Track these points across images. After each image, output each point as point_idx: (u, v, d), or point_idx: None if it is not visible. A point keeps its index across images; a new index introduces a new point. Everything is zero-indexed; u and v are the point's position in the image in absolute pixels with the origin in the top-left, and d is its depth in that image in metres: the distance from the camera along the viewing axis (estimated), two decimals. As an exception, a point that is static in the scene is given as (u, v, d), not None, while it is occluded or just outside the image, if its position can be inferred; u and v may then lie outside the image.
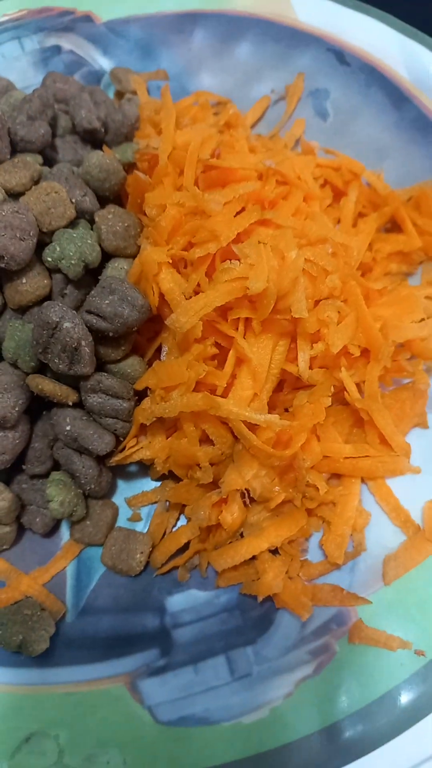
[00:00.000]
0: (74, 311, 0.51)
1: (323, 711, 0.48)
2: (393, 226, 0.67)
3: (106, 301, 0.51)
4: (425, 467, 0.56)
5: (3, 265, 0.51)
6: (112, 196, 0.60)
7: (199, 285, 0.52)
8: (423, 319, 0.58)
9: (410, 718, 0.47)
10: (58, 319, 0.49)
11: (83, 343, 0.50)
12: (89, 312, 0.52)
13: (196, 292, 0.53)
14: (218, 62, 0.80)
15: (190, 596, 0.54)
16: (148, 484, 0.59)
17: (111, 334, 0.52)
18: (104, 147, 0.63)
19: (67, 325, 0.49)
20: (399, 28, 0.76)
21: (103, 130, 0.65)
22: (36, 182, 0.57)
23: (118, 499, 0.59)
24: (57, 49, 0.80)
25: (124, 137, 0.66)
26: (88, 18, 0.81)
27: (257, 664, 0.50)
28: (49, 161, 0.63)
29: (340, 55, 0.77)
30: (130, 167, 0.62)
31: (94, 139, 0.66)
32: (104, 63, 0.80)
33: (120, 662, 0.51)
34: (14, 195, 0.56)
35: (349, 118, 0.75)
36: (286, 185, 0.59)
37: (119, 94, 0.77)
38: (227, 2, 0.81)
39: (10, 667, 0.51)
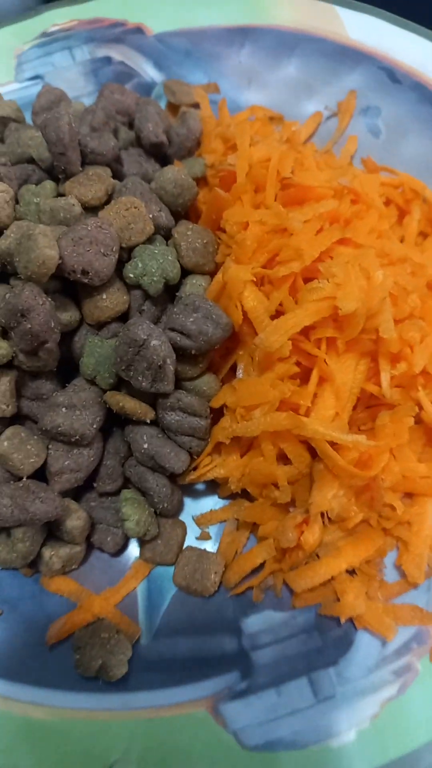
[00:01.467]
0: (160, 329, 0.50)
1: (411, 732, 0.47)
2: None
3: (191, 319, 0.51)
4: None
5: (86, 281, 0.50)
6: (183, 211, 0.59)
7: (281, 304, 0.52)
8: None
9: None
10: (145, 337, 0.48)
11: (168, 361, 0.50)
12: (172, 329, 0.51)
13: (278, 311, 0.52)
14: (267, 77, 0.80)
15: (266, 617, 0.53)
16: (215, 503, 0.58)
17: (193, 351, 0.52)
18: (176, 162, 0.62)
19: (154, 342, 0.48)
20: (450, 48, 0.77)
21: (168, 143, 0.65)
22: (110, 196, 0.57)
23: (185, 517, 0.58)
24: (107, 60, 0.80)
25: (188, 151, 0.66)
26: (138, 30, 0.81)
27: (340, 685, 0.50)
28: (115, 175, 0.63)
29: (391, 73, 0.78)
30: (198, 182, 0.62)
31: (159, 153, 0.65)
32: (154, 75, 0.80)
33: (200, 685, 0.50)
34: (89, 209, 0.56)
35: (401, 135, 0.76)
36: (358, 204, 0.59)
37: (171, 107, 0.77)
38: (277, 17, 0.81)
39: (89, 692, 0.49)
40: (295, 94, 0.79)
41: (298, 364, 0.53)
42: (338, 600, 0.52)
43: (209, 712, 0.49)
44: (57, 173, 0.59)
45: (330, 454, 0.50)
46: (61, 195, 0.58)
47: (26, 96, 0.78)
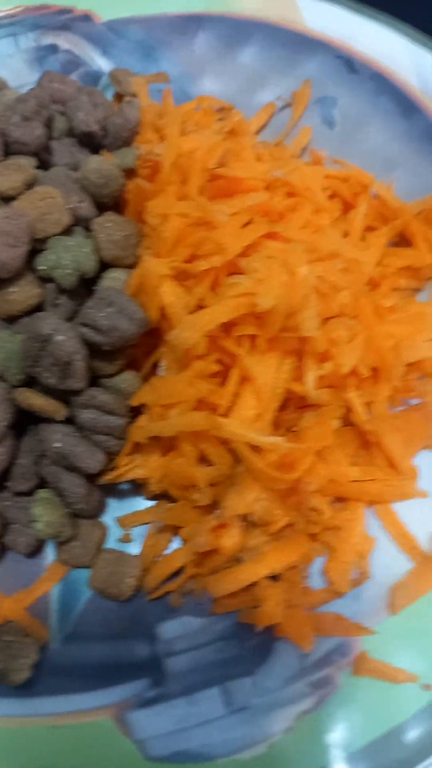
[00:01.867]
0: (69, 324, 0.48)
1: (325, 747, 0.46)
2: (401, 240, 0.65)
3: (103, 314, 0.49)
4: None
5: (-7, 273, 0.48)
6: (110, 203, 0.57)
7: (202, 300, 0.50)
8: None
9: (417, 755, 0.45)
10: (50, 332, 0.47)
11: (76, 357, 0.48)
12: (84, 324, 0.49)
13: (199, 307, 0.50)
14: (221, 66, 0.78)
15: (184, 623, 0.51)
16: (141, 504, 0.57)
17: (106, 348, 0.50)
18: (103, 152, 0.60)
19: (59, 338, 0.47)
20: (410, 36, 0.75)
21: (102, 133, 0.63)
22: (30, 186, 0.55)
23: (108, 518, 0.56)
24: (53, 48, 0.78)
25: (124, 142, 0.64)
26: (87, 17, 0.79)
27: (255, 696, 0.48)
28: (44, 165, 0.61)
29: (349, 63, 0.75)
30: (129, 173, 0.60)
31: (92, 143, 0.63)
32: (103, 64, 0.78)
33: (107, 692, 0.48)
34: (7, 199, 0.54)
35: (357, 126, 0.73)
36: (294, 197, 0.57)
37: (119, 97, 0.75)
38: (233, 4, 0.78)
39: (-7, 697, 0.48)
40: (249, 84, 0.77)
41: (219, 362, 0.51)
42: (258, 607, 0.50)
43: (114, 720, 0.47)
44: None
45: (248, 456, 0.48)
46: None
47: (-31, 84, 0.76)
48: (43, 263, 0.50)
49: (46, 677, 0.49)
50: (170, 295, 0.50)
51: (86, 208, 0.54)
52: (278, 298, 0.46)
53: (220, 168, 0.53)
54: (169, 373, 0.52)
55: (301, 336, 0.48)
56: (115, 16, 0.79)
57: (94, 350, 0.50)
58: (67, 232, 0.53)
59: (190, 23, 0.79)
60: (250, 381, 0.50)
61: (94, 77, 0.77)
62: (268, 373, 0.50)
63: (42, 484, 0.54)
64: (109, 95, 0.74)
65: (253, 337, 0.50)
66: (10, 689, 0.48)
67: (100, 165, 0.55)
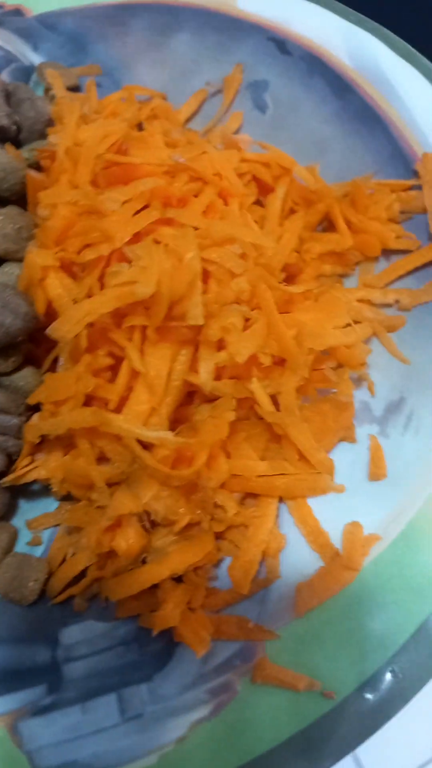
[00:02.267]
0: None
1: (218, 758, 0.43)
2: (330, 225, 0.62)
3: (-12, 310, 0.47)
4: (351, 486, 0.52)
5: None
6: (13, 197, 0.56)
7: (91, 291, 0.48)
8: (349, 325, 0.53)
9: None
10: None
11: (-39, 355, 0.46)
12: (-30, 321, 0.48)
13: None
14: (155, 55, 0.76)
15: (87, 627, 0.50)
16: (53, 504, 0.55)
17: (-7, 345, 0.48)
18: (7, 145, 0.59)
19: None
20: (343, 13, 0.72)
21: (15, 128, 0.62)
22: None
23: (19, 520, 0.55)
24: (-16, 45, 0.77)
25: (40, 135, 0.63)
26: (17, 11, 0.78)
27: (151, 703, 0.46)
28: None
29: (282, 44, 0.73)
30: (38, 166, 0.58)
31: (7, 138, 0.62)
32: (35, 58, 0.77)
33: (5, 700, 0.47)
34: None
35: (289, 110, 0.71)
36: (200, 182, 0.55)
37: (47, 90, 0.74)
38: (165, -9, 0.77)
39: None
40: (184, 72, 0.75)
41: (112, 355, 0.49)
42: (158, 610, 0.48)
43: (7, 729, 0.46)
44: None
45: (138, 452, 0.46)
46: None
47: None
48: None
49: None
50: (56, 287, 0.48)
51: (-15, 203, 0.53)
52: (158, 284, 0.44)
53: (113, 155, 0.51)
54: (62, 369, 0.50)
55: (190, 325, 0.46)
56: (47, 8, 0.78)
57: (-16, 348, 0.49)
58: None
59: (123, 12, 0.77)
60: (141, 374, 0.48)
61: (26, 72, 0.76)
62: (160, 365, 0.48)
63: None
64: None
65: (143, 328, 0.48)
66: None
67: (1, 158, 0.54)
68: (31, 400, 0.50)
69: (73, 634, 0.49)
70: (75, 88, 0.73)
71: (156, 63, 0.76)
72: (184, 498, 0.49)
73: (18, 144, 0.64)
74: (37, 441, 0.49)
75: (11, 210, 0.52)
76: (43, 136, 0.63)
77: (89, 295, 0.48)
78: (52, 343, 0.53)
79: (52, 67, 0.73)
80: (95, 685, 0.47)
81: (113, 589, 0.48)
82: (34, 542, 0.53)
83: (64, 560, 0.52)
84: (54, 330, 0.46)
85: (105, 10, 0.78)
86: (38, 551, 0.53)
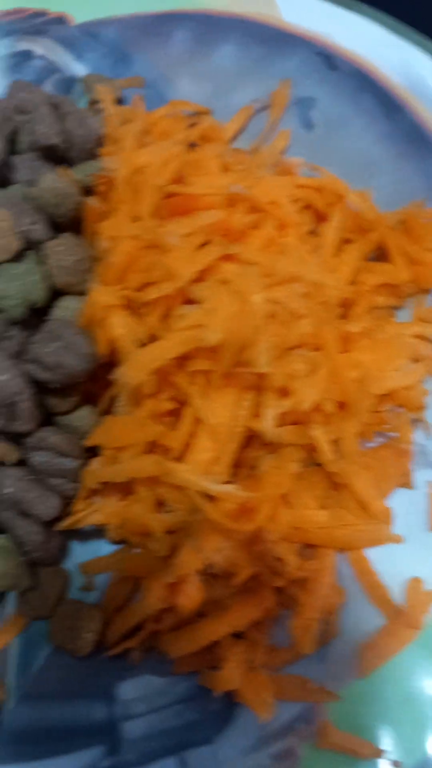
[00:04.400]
0: (13, 361, 0.44)
1: None
2: (382, 254, 0.60)
3: (49, 349, 0.45)
4: (409, 535, 0.50)
5: None
6: (66, 223, 0.53)
7: (154, 332, 0.46)
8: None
9: None
10: (-10, 373, 0.43)
11: (21, 398, 0.44)
12: (31, 360, 0.46)
13: (152, 339, 0.46)
14: (198, 67, 0.73)
15: (145, 682, 0.47)
16: (105, 546, 0.53)
17: (54, 385, 0.46)
18: (62, 167, 0.56)
19: (1, 378, 0.43)
20: (394, 29, 0.69)
21: (65, 146, 0.59)
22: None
23: (71, 563, 0.52)
24: (28, 54, 0.74)
25: (89, 154, 0.60)
26: (61, 20, 0.75)
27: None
28: (4, 182, 0.57)
29: (329, 60, 0.70)
30: (91, 190, 0.56)
31: (56, 157, 0.59)
32: (78, 69, 0.74)
33: (58, 762, 0.45)
34: None
35: (337, 128, 0.68)
36: (257, 212, 0.52)
37: (92, 104, 0.71)
38: (205, 2, 0.74)
39: None
40: (226, 86, 0.72)
41: (174, 399, 0.47)
42: (218, 668, 0.46)
43: (65, 796, 0.44)
44: None
45: (202, 505, 0.44)
46: None
47: None
48: (-10, 293, 0.47)
49: (3, 741, 0.45)
50: (119, 327, 0.46)
51: (39, 230, 0.50)
52: (226, 331, 0.42)
53: (174, 184, 0.48)
54: (122, 411, 0.48)
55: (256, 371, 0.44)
56: (90, 17, 0.75)
57: (45, 387, 0.46)
58: (18, 256, 0.49)
59: (165, 22, 0.74)
60: (204, 420, 0.45)
61: (69, 84, 0.73)
62: (224, 411, 0.45)
63: None
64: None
65: (208, 372, 0.46)
66: None
67: (54, 182, 0.51)
68: (89, 443, 0.48)
69: (129, 689, 0.47)
70: (118, 101, 0.71)
71: (198, 76, 0.73)
72: (244, 550, 0.47)
73: (64, 163, 0.61)
74: (95, 487, 0.47)
75: (70, 240, 0.49)
76: (92, 155, 0.60)
77: (151, 336, 0.46)
78: (108, 381, 0.51)
79: (97, 80, 0.70)
80: (156, 746, 0.45)
81: (173, 645, 0.46)
82: (87, 587, 0.51)
83: (118, 608, 0.50)
84: (121, 375, 0.43)
85: (148, 20, 0.75)
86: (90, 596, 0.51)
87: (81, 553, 0.53)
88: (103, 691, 0.47)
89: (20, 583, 0.48)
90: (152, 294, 0.45)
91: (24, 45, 0.75)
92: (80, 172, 0.57)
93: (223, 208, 0.50)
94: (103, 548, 0.53)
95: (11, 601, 0.51)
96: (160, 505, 0.48)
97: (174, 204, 0.49)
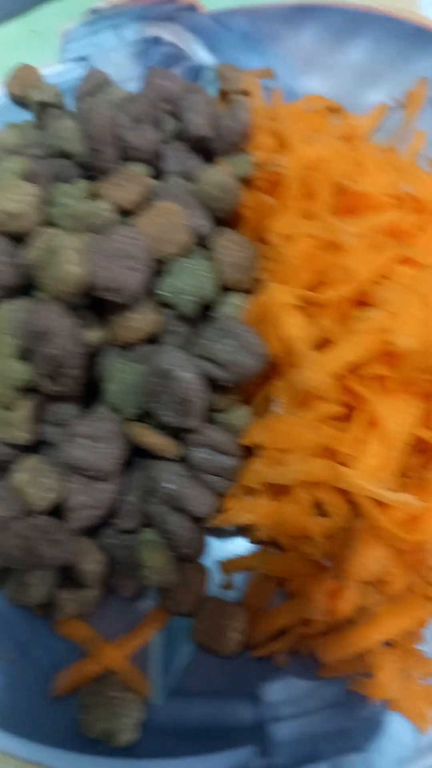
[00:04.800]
0: (190, 358, 0.44)
1: None
2: None
3: (223, 347, 0.45)
4: None
5: (114, 299, 0.44)
6: (225, 217, 0.52)
7: (328, 333, 0.45)
8: None
9: None
10: (172, 367, 0.43)
11: (196, 394, 0.44)
12: (203, 357, 0.45)
13: (324, 340, 0.45)
14: (329, 61, 0.72)
15: (290, 685, 0.47)
16: (239, 543, 0.52)
17: (225, 383, 0.45)
18: (218, 160, 0.55)
19: (181, 374, 0.43)
20: None
21: (211, 137, 0.58)
22: (147, 199, 0.51)
23: (208, 559, 0.52)
24: (156, 41, 0.73)
25: (235, 146, 0.59)
26: (191, 7, 0.74)
27: (367, 776, 0.43)
28: (154, 172, 0.56)
29: (470, 58, 0.68)
30: (243, 184, 0.55)
31: (203, 148, 0.59)
32: (205, 57, 0.73)
33: (212, 759, 0.45)
34: (124, 213, 0.50)
35: None
36: (421, 213, 0.51)
37: (223, 94, 0.70)
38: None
39: (94, 756, 0.45)
40: (359, 82, 0.71)
41: (343, 403, 0.46)
42: (370, 675, 0.45)
43: (217, 792, 0.44)
44: (93, 170, 0.53)
45: (372, 512, 0.43)
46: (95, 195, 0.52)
47: (71, 79, 0.72)
48: (164, 288, 0.46)
49: (150, 736, 0.45)
50: (294, 327, 0.45)
51: (205, 225, 0.49)
52: (419, 337, 0.41)
53: (347, 182, 0.47)
54: (286, 412, 0.47)
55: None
56: (220, 5, 0.74)
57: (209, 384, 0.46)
58: (186, 252, 0.48)
59: (298, 14, 0.73)
60: (376, 426, 0.45)
61: (195, 72, 0.72)
62: (397, 417, 0.44)
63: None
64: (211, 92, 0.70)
65: (381, 377, 0.45)
66: (113, 749, 0.44)
67: (221, 177, 0.51)
68: (247, 441, 0.48)
69: (275, 691, 0.47)
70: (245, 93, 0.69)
71: (330, 70, 0.72)
72: (399, 559, 0.46)
73: (209, 154, 0.60)
74: (257, 487, 0.47)
75: (238, 237, 0.49)
76: (238, 148, 0.59)
77: (325, 338, 0.45)
78: (261, 379, 0.50)
79: (231, 70, 0.69)
80: (307, 751, 0.45)
81: (325, 651, 0.46)
82: (227, 586, 0.51)
83: (260, 609, 0.49)
84: (301, 378, 0.43)
85: (280, 11, 0.74)
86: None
87: (217, 550, 0.53)
88: (250, 692, 0.47)
89: (170, 578, 0.48)
90: (329, 294, 0.44)
91: (152, 31, 0.74)
92: (234, 166, 0.56)
93: (394, 208, 0.49)
94: (239, 546, 0.52)
95: (150, 596, 0.51)
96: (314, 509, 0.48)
97: (345, 202, 0.48)
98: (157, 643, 0.49)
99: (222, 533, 0.53)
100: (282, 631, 0.48)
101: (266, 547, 0.51)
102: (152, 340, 0.49)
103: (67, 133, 0.56)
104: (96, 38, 0.74)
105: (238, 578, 0.52)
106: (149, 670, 0.48)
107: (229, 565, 0.51)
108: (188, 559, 0.50)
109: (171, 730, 0.46)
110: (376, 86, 0.71)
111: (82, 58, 0.74)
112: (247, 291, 0.49)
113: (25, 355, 0.46)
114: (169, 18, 0.74)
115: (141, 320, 0.47)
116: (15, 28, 0.74)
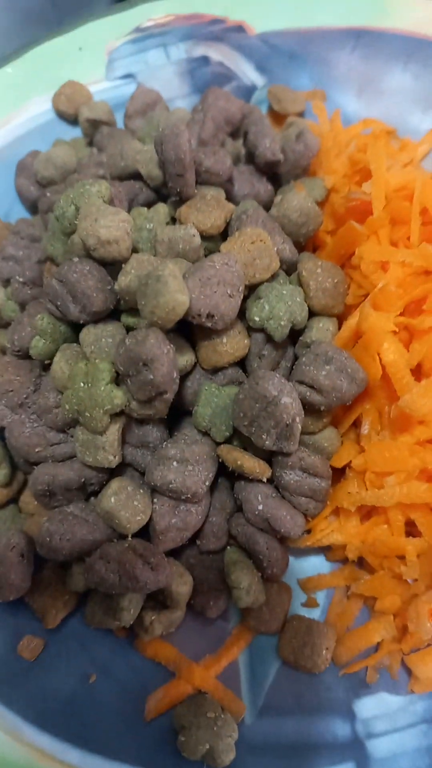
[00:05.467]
0: (291, 384, 0.45)
1: None
2: None
3: (323, 372, 0.45)
4: None
5: (210, 325, 0.45)
6: (305, 242, 0.53)
7: (423, 359, 0.46)
8: None
9: None
10: (276, 393, 0.43)
11: (297, 419, 0.44)
12: (301, 383, 0.46)
13: (418, 365, 0.47)
14: (378, 85, 0.73)
15: (381, 700, 0.48)
16: (321, 563, 0.53)
17: (322, 407, 0.46)
18: (298, 185, 0.56)
19: (285, 400, 0.43)
20: None
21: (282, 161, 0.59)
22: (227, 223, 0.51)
23: (287, 578, 0.53)
24: (205, 60, 0.74)
25: (303, 170, 0.60)
26: (240, 28, 0.75)
27: (468, 791, 0.45)
28: (225, 195, 0.57)
29: None
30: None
31: (270, 171, 0.59)
32: (255, 78, 0.74)
33: (308, 776, 0.45)
34: (206, 238, 0.50)
35: None
36: None
37: (272, 114, 0.71)
38: (395, 20, 0.74)
39: (193, 777, 0.45)
40: (408, 107, 0.73)
41: (434, 426, 0.47)
42: (465, 691, 0.47)
43: (325, 809, 0.44)
44: (168, 194, 0.54)
45: (471, 533, 0.45)
46: (173, 220, 0.52)
47: (117, 96, 0.73)
48: (257, 314, 0.47)
49: (244, 755, 0.46)
50: (393, 352, 0.46)
51: (289, 250, 0.50)
52: None
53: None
54: (374, 433, 0.48)
55: None
56: (269, 28, 0.75)
57: (305, 408, 0.47)
58: (273, 277, 0.49)
59: (348, 38, 0.75)
60: None
61: (246, 92, 0.73)
62: None
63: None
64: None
65: None
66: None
67: (302, 203, 0.52)
68: (337, 463, 0.49)
69: (368, 707, 0.48)
70: (299, 114, 0.71)
71: (379, 94, 0.73)
72: None
73: (276, 177, 0.61)
74: (353, 509, 0.48)
75: (325, 263, 0.50)
76: (305, 171, 0.61)
77: (418, 365, 0.47)
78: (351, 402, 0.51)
79: (283, 91, 0.70)
80: (406, 766, 0.46)
81: (419, 666, 0.47)
82: (311, 604, 0.52)
83: (347, 627, 0.50)
84: (407, 403, 0.44)
85: (329, 34, 0.75)
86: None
87: (296, 569, 0.53)
88: (342, 708, 0.48)
89: (261, 598, 0.49)
90: (428, 322, 0.46)
91: (201, 50, 0.75)
92: (308, 190, 0.57)
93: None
94: (315, 565, 0.53)
95: (234, 616, 0.52)
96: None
97: (430, 230, 0.50)
98: (243, 660, 0.50)
99: (298, 552, 0.54)
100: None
101: (345, 565, 0.52)
102: (239, 363, 0.50)
103: (139, 156, 0.56)
104: (143, 56, 0.75)
105: (320, 598, 0.52)
106: (240, 688, 0.49)
107: (310, 584, 0.52)
108: (274, 578, 0.51)
109: (266, 748, 0.46)
110: (425, 112, 0.72)
111: (129, 75, 0.74)
112: (335, 315, 0.50)
113: (119, 380, 0.46)
114: (217, 38, 0.75)
115: (231, 345, 0.47)
116: (60, 43, 0.74)
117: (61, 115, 0.72)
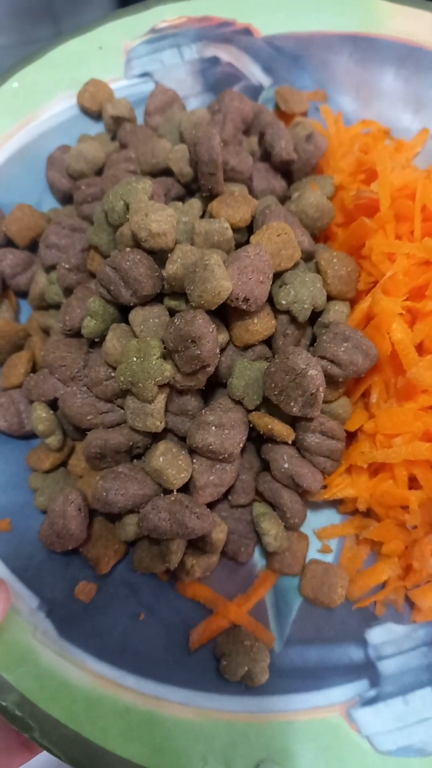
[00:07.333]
0: (316, 358, 0.52)
1: None
2: None
3: (342, 348, 0.53)
4: None
5: (245, 307, 0.52)
6: (318, 234, 0.60)
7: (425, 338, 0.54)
8: None
9: None
10: (304, 366, 0.50)
11: (321, 389, 0.52)
12: (323, 357, 0.53)
13: (420, 343, 0.54)
14: (373, 88, 0.80)
15: (389, 629, 0.57)
16: (332, 516, 0.61)
17: (340, 379, 0.54)
18: (314, 184, 0.63)
19: (312, 372, 0.50)
20: None
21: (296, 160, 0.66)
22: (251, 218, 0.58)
23: (304, 529, 0.61)
24: (215, 60, 0.80)
25: (313, 168, 0.67)
26: (247, 31, 0.81)
27: (463, 697, 0.54)
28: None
29: None
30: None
31: (284, 169, 0.66)
32: (262, 78, 0.80)
33: (332, 692, 0.54)
34: (234, 230, 0.57)
35: None
36: None
37: (278, 113, 0.78)
38: (390, 28, 0.80)
39: (232, 695, 0.53)
40: (401, 108, 0.80)
41: (434, 393, 0.55)
42: (459, 618, 0.55)
43: (343, 717, 0.53)
44: (198, 190, 0.60)
45: (468, 485, 0.53)
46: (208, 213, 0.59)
47: (135, 93, 0.78)
48: (284, 298, 0.54)
49: (275, 677, 0.54)
50: (400, 332, 0.53)
51: (307, 242, 0.57)
52: None
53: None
54: (382, 401, 0.56)
55: None
56: (274, 31, 0.81)
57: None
58: (295, 266, 0.56)
59: (346, 43, 0.81)
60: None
61: (253, 92, 0.79)
62: None
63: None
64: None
65: None
66: (247, 689, 0.53)
67: (318, 200, 0.58)
68: (351, 427, 0.57)
69: (378, 635, 0.56)
70: (303, 114, 0.77)
71: (374, 96, 0.80)
72: None
73: (288, 175, 0.68)
74: (365, 466, 0.55)
75: (341, 254, 0.57)
76: (314, 170, 0.67)
77: (421, 342, 0.54)
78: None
79: (290, 93, 0.76)
80: (410, 680, 0.54)
81: (421, 600, 0.55)
82: (325, 550, 0.60)
83: (358, 568, 0.58)
84: (415, 375, 0.51)
85: (329, 39, 0.81)
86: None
87: (311, 521, 0.61)
88: (356, 637, 0.56)
89: (286, 544, 0.56)
90: (429, 306, 0.53)
91: (211, 51, 0.80)
92: (320, 187, 0.64)
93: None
94: (327, 517, 0.61)
95: (259, 561, 0.59)
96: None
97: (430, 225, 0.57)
98: (269, 598, 0.58)
99: (314, 506, 0.61)
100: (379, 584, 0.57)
101: (354, 516, 0.60)
102: (266, 341, 0.57)
103: (171, 155, 0.62)
104: (159, 55, 0.80)
105: (333, 545, 0.60)
106: (268, 622, 0.56)
107: (325, 533, 0.60)
108: (295, 528, 0.58)
109: (292, 672, 0.54)
110: (415, 113, 0.79)
111: (146, 74, 0.79)
112: (349, 300, 0.58)
113: (166, 355, 0.53)
114: (226, 40, 0.80)
115: (261, 325, 0.54)
116: (81, 43, 0.79)
117: (85, 111, 0.77)
